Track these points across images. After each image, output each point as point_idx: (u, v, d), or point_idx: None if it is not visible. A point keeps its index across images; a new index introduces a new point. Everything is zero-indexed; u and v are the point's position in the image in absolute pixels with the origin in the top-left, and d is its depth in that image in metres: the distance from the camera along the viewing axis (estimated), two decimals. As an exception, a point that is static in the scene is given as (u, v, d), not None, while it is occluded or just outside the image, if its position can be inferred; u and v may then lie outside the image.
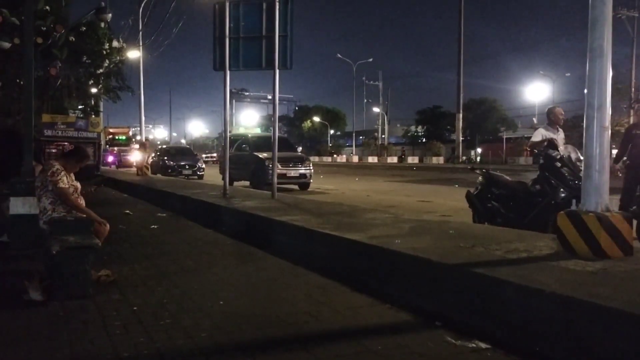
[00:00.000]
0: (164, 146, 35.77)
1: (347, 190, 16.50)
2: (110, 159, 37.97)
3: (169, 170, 23.97)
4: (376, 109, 72.35)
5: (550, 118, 7.14)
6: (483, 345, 3.14)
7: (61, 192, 4.81)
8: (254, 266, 5.39)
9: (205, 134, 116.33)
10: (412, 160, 59.25)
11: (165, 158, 25.52)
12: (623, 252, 3.87)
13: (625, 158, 7.39)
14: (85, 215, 4.90)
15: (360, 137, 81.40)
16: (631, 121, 7.54)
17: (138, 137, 33.61)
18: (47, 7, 13.15)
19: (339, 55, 71.54)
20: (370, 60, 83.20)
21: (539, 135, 6.96)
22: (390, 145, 72.22)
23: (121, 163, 37.05)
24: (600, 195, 4.03)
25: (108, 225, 5.08)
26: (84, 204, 5.06)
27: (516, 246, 4.39)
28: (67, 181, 4.90)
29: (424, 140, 71.62)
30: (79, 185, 5.09)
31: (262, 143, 16.65)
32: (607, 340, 2.69)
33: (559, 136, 6.91)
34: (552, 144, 6.48)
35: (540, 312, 3.03)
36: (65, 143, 14.77)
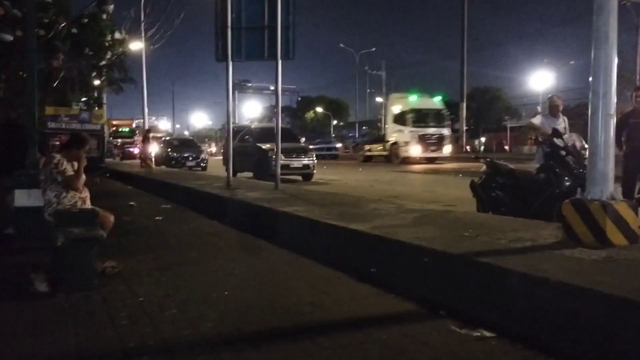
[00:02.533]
0: (167, 138, 35.81)
1: (350, 181, 16.49)
2: (115, 151, 38.11)
3: (173, 162, 24.01)
4: (379, 99, 72.03)
5: (549, 107, 7.17)
6: (488, 334, 3.15)
7: (68, 180, 4.81)
8: (258, 257, 5.40)
9: (209, 126, 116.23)
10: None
11: (169, 150, 25.55)
12: (628, 240, 3.85)
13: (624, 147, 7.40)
14: (88, 204, 4.92)
15: (364, 127, 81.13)
16: (630, 108, 7.50)
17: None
18: (49, -1, 13.12)
19: (341, 45, 71.35)
20: (373, 49, 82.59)
21: (537, 120, 7.00)
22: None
23: (125, 155, 37.16)
24: (605, 184, 4.01)
25: (112, 217, 5.09)
26: (88, 196, 5.06)
27: (521, 235, 4.38)
28: (71, 170, 4.90)
29: (427, 129, 71.32)
30: (83, 175, 5.09)
31: (265, 134, 16.64)
32: (613, 329, 2.69)
33: (560, 125, 6.88)
34: (556, 132, 6.45)
35: (545, 300, 3.03)
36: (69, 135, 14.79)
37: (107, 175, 15.65)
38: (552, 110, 7.07)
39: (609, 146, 4.04)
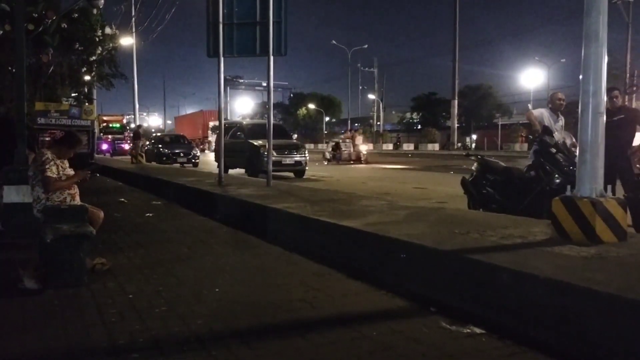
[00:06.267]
0: (159, 134, 35.59)
1: (342, 178, 16.50)
2: (105, 146, 37.86)
3: (164, 158, 23.90)
4: (371, 96, 72.12)
5: (552, 102, 7.18)
6: (478, 330, 3.16)
7: (45, 180, 4.75)
8: (250, 254, 5.39)
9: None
10: (408, 147, 59.22)
11: (160, 146, 25.43)
12: (617, 237, 3.88)
13: None
14: (78, 201, 4.88)
15: (356, 124, 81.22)
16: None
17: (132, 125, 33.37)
18: (38, -7, 12.95)
19: (333, 42, 71.13)
20: (366, 46, 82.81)
21: (537, 112, 7.01)
22: (386, 132, 72.09)
23: (115, 151, 36.95)
24: (595, 181, 4.04)
25: (102, 213, 5.06)
26: (77, 192, 5.02)
27: (511, 232, 4.40)
28: (57, 170, 4.84)
29: (419, 127, 71.53)
30: (72, 173, 5.06)
31: (257, 130, 16.61)
32: (601, 325, 2.71)
33: (558, 123, 6.91)
34: (547, 129, 6.48)
35: (534, 297, 3.05)
36: (59, 131, 14.66)
37: (97, 175, 15.55)
38: (554, 105, 7.08)
39: (598, 144, 4.07)
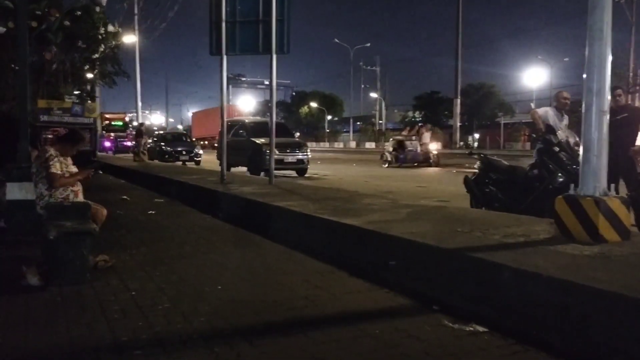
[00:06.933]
0: (161, 132, 35.58)
1: (344, 176, 16.51)
2: (107, 144, 37.89)
3: (166, 156, 23.93)
4: (374, 95, 72.07)
5: (557, 100, 7.17)
6: (480, 328, 3.16)
7: (50, 176, 4.78)
8: (252, 252, 5.40)
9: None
10: (410, 146, 59.05)
11: (162, 144, 25.45)
12: (620, 236, 3.87)
13: None
14: (81, 198, 4.90)
15: (358, 123, 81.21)
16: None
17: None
18: (41, -9, 12.96)
19: (336, 40, 71.11)
20: (368, 45, 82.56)
21: (542, 110, 7.00)
22: (388, 131, 72.01)
23: (118, 148, 37.01)
24: (598, 180, 4.03)
25: (105, 211, 5.07)
26: (80, 189, 5.04)
27: (514, 231, 4.39)
28: (60, 167, 4.87)
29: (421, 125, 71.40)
30: (75, 170, 5.07)
31: (260, 129, 16.61)
32: (604, 324, 2.71)
33: (562, 122, 6.90)
34: (550, 128, 6.47)
35: (537, 296, 3.04)
36: (62, 128, 14.67)
37: (100, 172, 15.57)
38: (559, 104, 7.07)
39: (602, 143, 4.06)
